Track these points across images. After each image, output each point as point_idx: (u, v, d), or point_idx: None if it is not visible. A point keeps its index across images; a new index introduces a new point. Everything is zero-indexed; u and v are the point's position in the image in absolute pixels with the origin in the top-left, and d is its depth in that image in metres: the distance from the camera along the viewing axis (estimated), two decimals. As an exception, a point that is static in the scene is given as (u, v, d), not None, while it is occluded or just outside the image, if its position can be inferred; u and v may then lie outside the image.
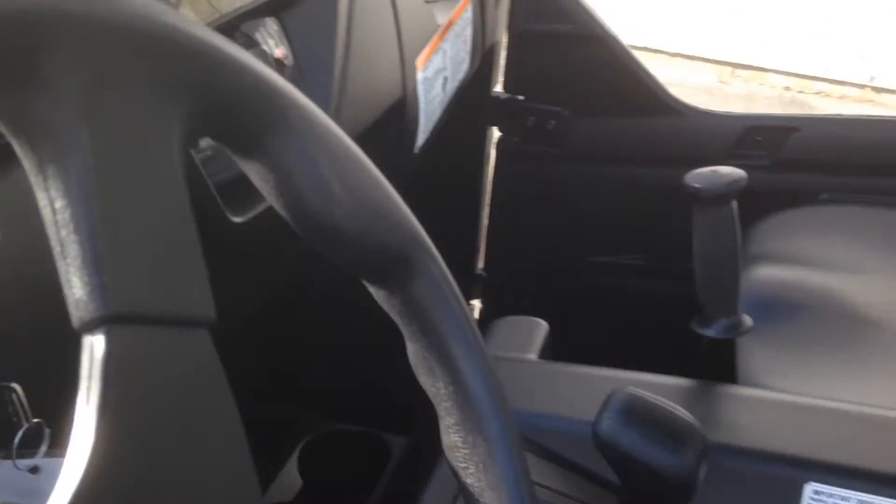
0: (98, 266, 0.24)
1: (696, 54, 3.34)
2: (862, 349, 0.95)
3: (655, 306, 1.30)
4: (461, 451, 0.36)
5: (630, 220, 1.40)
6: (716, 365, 0.80)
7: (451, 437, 0.36)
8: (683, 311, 0.85)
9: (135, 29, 0.25)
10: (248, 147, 0.30)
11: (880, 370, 0.92)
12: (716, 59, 3.32)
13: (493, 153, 1.46)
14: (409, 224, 0.34)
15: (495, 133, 1.45)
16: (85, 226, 0.23)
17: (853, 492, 0.63)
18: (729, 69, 3.33)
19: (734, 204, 0.74)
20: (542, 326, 0.84)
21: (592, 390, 0.63)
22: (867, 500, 0.63)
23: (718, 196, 0.72)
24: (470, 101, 1.21)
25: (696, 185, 0.73)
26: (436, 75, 0.98)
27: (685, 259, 1.27)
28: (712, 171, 0.73)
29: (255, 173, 0.31)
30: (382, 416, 1.20)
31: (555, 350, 0.84)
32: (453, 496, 0.67)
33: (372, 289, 0.35)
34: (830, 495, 0.64)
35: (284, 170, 0.30)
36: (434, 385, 0.36)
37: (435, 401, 0.36)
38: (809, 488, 0.64)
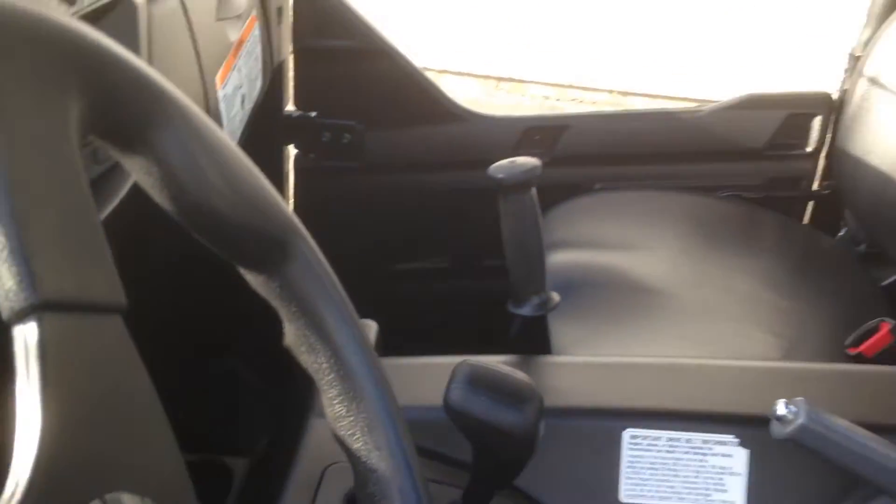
0: (25, 255, 0.24)
1: (463, 70, 3.52)
2: (648, 313, 1.07)
3: (469, 300, 1.37)
4: (346, 419, 0.38)
5: (434, 224, 1.46)
6: (531, 340, 0.87)
7: (336, 408, 0.38)
8: (495, 301, 0.91)
9: (33, 29, 0.26)
10: (133, 142, 0.31)
11: (666, 328, 1.05)
12: (481, 73, 3.53)
13: (291, 171, 1.47)
14: (283, 209, 0.36)
15: (291, 151, 1.47)
16: (8, 216, 0.24)
17: (662, 431, 0.72)
18: (493, 82, 3.54)
19: (534, 190, 0.81)
20: (372, 326, 0.86)
21: (432, 377, 0.67)
22: (674, 436, 0.72)
23: (520, 183, 0.79)
24: (263, 119, 1.22)
25: (500, 176, 0.79)
26: (234, 92, 0.98)
27: (488, 253, 1.36)
28: (511, 161, 0.80)
29: (138, 168, 0.31)
30: (220, 439, 1.17)
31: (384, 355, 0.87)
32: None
33: (250, 275, 0.36)
34: (645, 437, 0.72)
35: (167, 162, 0.31)
36: (315, 361, 0.38)
37: (317, 376, 0.38)
38: (627, 434, 0.72)
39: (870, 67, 1.26)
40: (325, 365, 0.38)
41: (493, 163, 0.85)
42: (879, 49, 1.25)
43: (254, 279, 0.37)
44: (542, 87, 3.47)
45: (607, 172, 1.45)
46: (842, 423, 0.63)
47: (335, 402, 0.38)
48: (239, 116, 1.00)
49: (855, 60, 1.35)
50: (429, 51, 3.46)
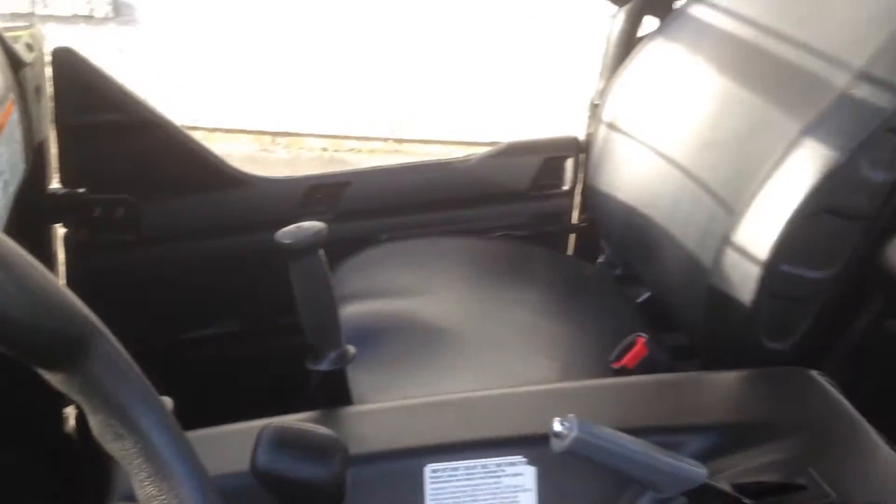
0: None
1: (235, 127, 3.50)
2: (440, 352, 1.15)
3: (266, 361, 1.37)
4: (158, 499, 0.40)
5: (224, 289, 1.45)
6: (332, 395, 0.91)
7: (147, 489, 0.40)
8: (293, 359, 0.94)
9: None
10: None
11: (457, 364, 1.13)
12: (255, 129, 3.52)
13: (61, 251, 1.41)
14: (78, 308, 0.38)
15: (60, 230, 1.40)
16: None
17: (459, 461, 0.78)
18: (269, 138, 3.55)
19: (322, 251, 0.85)
20: (167, 401, 0.86)
21: (238, 444, 0.69)
22: (470, 464, 0.78)
23: (308, 247, 0.83)
24: (28, 201, 1.17)
25: (287, 241, 0.83)
26: (-4, 179, 0.94)
27: (281, 313, 1.37)
28: (297, 227, 0.84)
29: None
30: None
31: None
32: None
33: (49, 375, 0.37)
34: (444, 469, 0.78)
35: None
36: (123, 448, 0.39)
37: (125, 462, 0.40)
38: (428, 469, 0.78)
39: (607, 114, 1.44)
40: (132, 450, 0.39)
41: (279, 223, 0.88)
42: (612, 98, 1.43)
43: (53, 378, 0.38)
44: (319, 140, 3.53)
45: (390, 223, 1.52)
46: (609, 432, 0.71)
47: (146, 483, 0.40)
48: (2, 203, 0.96)
49: (594, 108, 1.53)
50: (198, 109, 3.42)
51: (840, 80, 1.03)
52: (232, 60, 3.40)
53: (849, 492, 0.77)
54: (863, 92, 1.00)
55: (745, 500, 0.74)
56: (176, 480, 0.40)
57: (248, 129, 3.51)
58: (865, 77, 1.01)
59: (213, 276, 1.44)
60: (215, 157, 1.45)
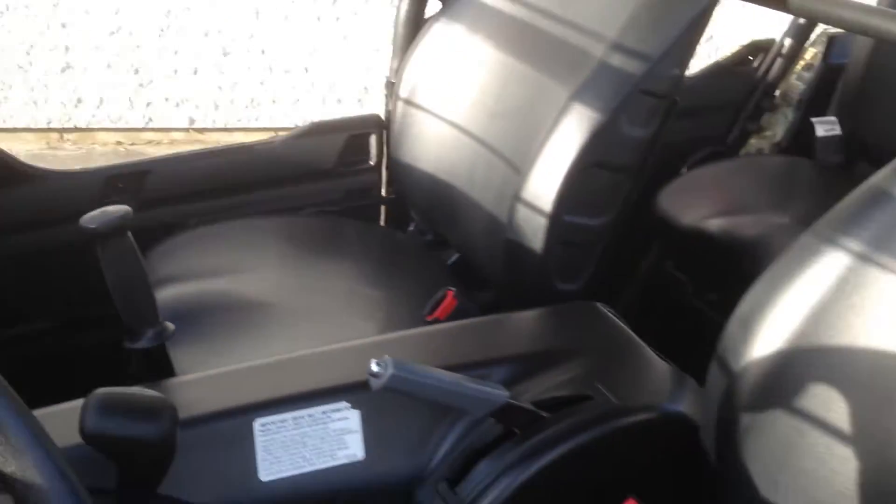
0: None
1: (18, 126, 3.29)
2: (261, 324, 1.18)
3: (87, 352, 1.34)
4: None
5: (30, 287, 1.40)
6: (155, 371, 0.92)
7: None
8: (115, 347, 0.94)
9: None
10: None
11: (279, 333, 1.17)
12: (40, 126, 3.32)
13: None
14: None
15: None
16: None
17: (285, 413, 0.84)
18: (56, 135, 3.36)
19: (129, 233, 0.86)
20: None
21: (60, 422, 0.70)
22: (298, 414, 0.84)
23: (116, 229, 0.83)
24: None
25: (93, 226, 0.83)
26: None
27: (96, 301, 1.35)
28: (102, 211, 0.84)
29: None
30: None
31: None
32: None
33: None
34: (273, 422, 0.83)
35: None
36: None
37: None
38: (257, 423, 0.82)
39: (402, 91, 1.51)
40: None
41: (80, 215, 0.88)
42: (406, 76, 1.51)
43: None
44: (112, 134, 3.37)
45: (200, 208, 1.52)
46: (421, 367, 0.79)
47: None
48: None
49: (391, 86, 1.60)
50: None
51: (598, 50, 1.17)
52: (7, 55, 3.18)
53: (628, 398, 0.91)
54: (617, 60, 1.14)
55: (542, 413, 0.85)
56: (11, 430, 0.43)
57: (32, 126, 3.30)
58: (618, 47, 1.15)
59: (14, 275, 1.38)
60: (3, 152, 1.38)
